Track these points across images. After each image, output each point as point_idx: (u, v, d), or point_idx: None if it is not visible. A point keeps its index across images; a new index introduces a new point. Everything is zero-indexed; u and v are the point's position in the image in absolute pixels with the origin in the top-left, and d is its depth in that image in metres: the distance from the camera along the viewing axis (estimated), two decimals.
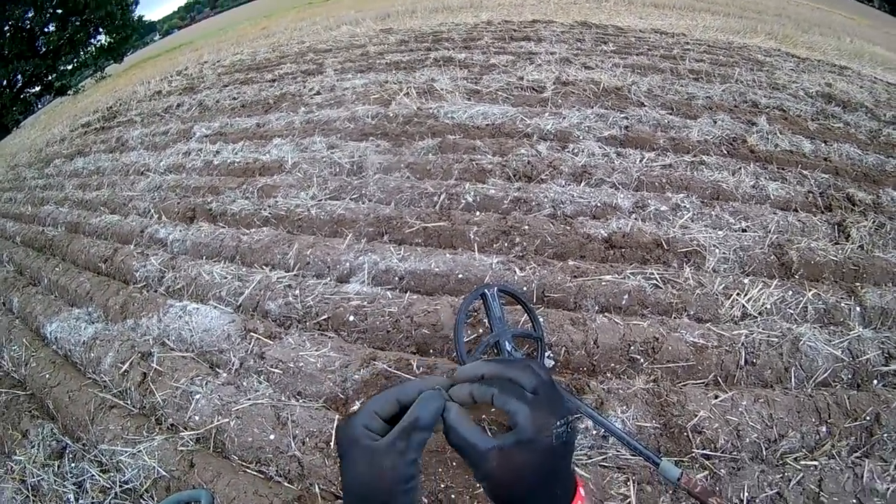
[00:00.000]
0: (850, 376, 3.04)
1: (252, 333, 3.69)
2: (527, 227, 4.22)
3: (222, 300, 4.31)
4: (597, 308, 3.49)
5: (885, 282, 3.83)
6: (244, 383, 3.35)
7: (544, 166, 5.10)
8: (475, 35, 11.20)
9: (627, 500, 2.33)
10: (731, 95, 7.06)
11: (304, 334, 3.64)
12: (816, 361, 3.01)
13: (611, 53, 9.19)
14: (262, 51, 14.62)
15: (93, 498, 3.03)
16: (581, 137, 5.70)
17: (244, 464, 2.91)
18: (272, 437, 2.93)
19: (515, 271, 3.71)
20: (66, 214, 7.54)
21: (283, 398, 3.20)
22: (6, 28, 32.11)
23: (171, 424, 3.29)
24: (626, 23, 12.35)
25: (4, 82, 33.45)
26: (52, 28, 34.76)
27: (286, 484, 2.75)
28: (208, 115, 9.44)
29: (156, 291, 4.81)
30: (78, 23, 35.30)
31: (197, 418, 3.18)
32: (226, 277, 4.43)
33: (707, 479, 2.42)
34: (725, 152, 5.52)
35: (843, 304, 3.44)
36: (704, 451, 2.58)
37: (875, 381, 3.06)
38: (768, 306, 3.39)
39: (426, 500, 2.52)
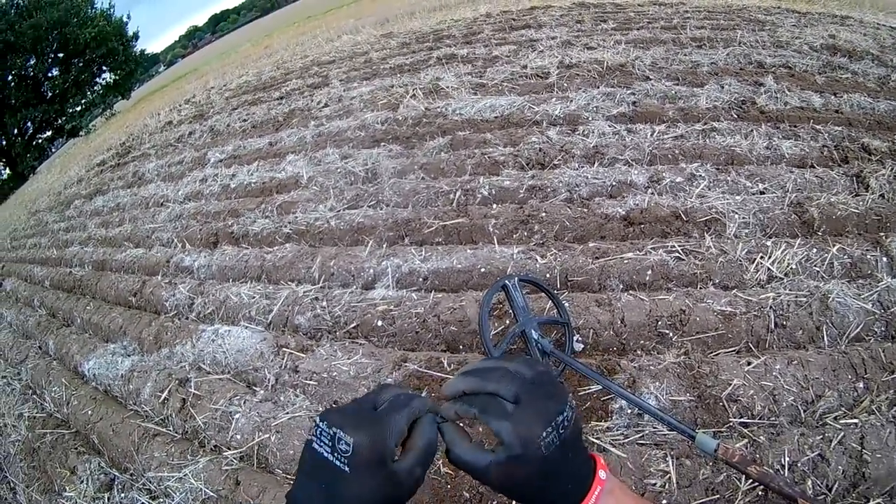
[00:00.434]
0: (883, 328, 3.00)
1: (284, 349, 3.74)
2: (544, 213, 4.23)
3: (252, 320, 4.36)
4: (621, 287, 3.48)
5: None
6: (281, 398, 3.39)
7: (556, 151, 5.10)
8: (475, 29, 11.20)
9: (667, 476, 2.33)
10: (736, 58, 7.00)
11: (335, 344, 3.67)
12: (847, 317, 2.98)
13: (611, 31, 9.15)
14: (267, 70, 14.71)
15: None
16: (590, 118, 5.68)
17: (288, 477, 2.95)
18: None
19: (537, 259, 3.71)
20: (92, 253, 7.67)
21: (319, 409, 3.23)
22: (10, 78, 32.44)
23: (214, 445, 3.34)
24: None
25: (15, 131, 33.90)
26: (55, 72, 35.15)
27: None
28: (221, 140, 9.52)
29: (187, 318, 4.88)
30: (81, 64, 35.74)
31: (238, 437, 3.22)
32: (254, 297, 4.47)
33: (746, 448, 2.41)
34: (736, 116, 5.48)
35: (869, 256, 3.40)
36: (742, 420, 2.56)
37: None
38: (794, 266, 3.36)
39: None
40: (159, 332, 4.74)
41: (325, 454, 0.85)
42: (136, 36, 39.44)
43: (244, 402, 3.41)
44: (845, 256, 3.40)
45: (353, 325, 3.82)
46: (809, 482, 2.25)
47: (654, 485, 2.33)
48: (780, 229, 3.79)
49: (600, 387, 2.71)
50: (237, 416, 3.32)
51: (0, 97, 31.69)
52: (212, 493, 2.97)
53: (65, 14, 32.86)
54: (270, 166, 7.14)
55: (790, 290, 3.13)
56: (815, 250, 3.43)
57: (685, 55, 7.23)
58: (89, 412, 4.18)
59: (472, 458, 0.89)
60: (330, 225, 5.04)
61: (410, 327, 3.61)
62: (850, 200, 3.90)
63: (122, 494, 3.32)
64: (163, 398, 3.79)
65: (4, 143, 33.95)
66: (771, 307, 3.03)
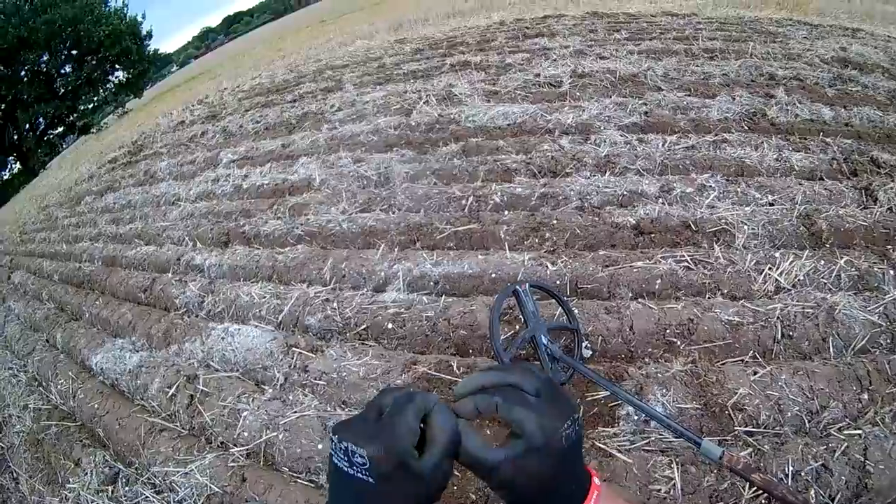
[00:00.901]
0: (888, 341, 3.02)
1: (294, 349, 3.78)
2: (555, 221, 4.26)
3: (263, 319, 4.40)
4: (630, 295, 3.52)
5: None
6: (290, 397, 3.43)
7: (568, 160, 5.13)
8: (489, 36, 11.20)
9: (672, 482, 2.36)
10: (748, 70, 7.02)
11: (344, 345, 3.72)
12: (853, 329, 3.00)
13: (624, 41, 9.16)
14: (280, 72, 14.72)
15: None
16: (602, 128, 5.72)
17: (294, 475, 2.99)
18: (320, 446, 3.01)
19: (547, 266, 3.75)
20: (102, 249, 7.70)
21: (328, 408, 3.27)
22: (23, 73, 32.49)
23: (221, 442, 3.38)
24: (637, 8, 12.26)
25: (27, 126, 33.90)
26: (68, 69, 35.12)
27: None
28: (233, 141, 9.54)
29: (197, 316, 4.92)
30: (94, 62, 35.70)
31: (246, 434, 3.27)
32: (264, 297, 4.51)
33: (751, 456, 2.44)
34: (746, 128, 5.51)
35: (876, 269, 3.42)
36: (747, 429, 2.59)
37: None
38: (801, 278, 3.39)
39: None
40: (168, 329, 4.78)
41: (346, 468, 0.85)
42: (149, 35, 39.49)
43: (252, 400, 3.45)
44: (853, 269, 3.42)
45: (363, 327, 3.86)
46: (812, 492, 2.28)
47: (659, 491, 2.36)
48: (789, 241, 3.82)
49: (608, 393, 2.75)
50: (245, 413, 3.36)
51: (13, 92, 31.75)
52: (217, 489, 3.01)
53: (79, 12, 32.89)
54: (283, 168, 7.18)
55: (797, 301, 3.16)
56: (822, 262, 3.46)
57: (697, 66, 7.25)
58: (96, 405, 4.23)
59: (485, 454, 0.87)
60: (342, 227, 5.08)
61: (420, 330, 3.64)
62: (858, 213, 3.92)
63: (127, 488, 3.36)
64: (170, 394, 3.84)
65: (16, 138, 34.03)
66: (778, 318, 3.06)
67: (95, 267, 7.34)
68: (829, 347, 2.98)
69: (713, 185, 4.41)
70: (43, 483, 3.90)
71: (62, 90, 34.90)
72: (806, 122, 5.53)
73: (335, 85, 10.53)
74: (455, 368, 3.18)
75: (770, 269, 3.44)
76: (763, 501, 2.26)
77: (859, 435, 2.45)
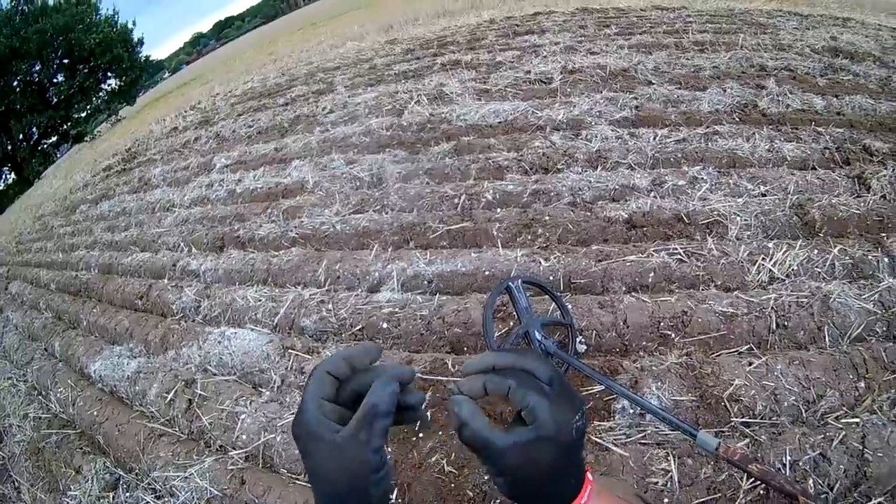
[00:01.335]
0: (884, 329, 3.02)
1: (290, 350, 3.78)
2: (547, 217, 4.26)
3: (259, 322, 4.40)
4: (623, 289, 3.51)
5: None
6: (287, 399, 3.43)
7: (559, 156, 5.14)
8: (479, 35, 11.21)
9: (669, 475, 2.35)
10: (738, 62, 7.02)
11: (340, 346, 3.74)
12: (849, 317, 3.00)
13: (614, 36, 9.19)
14: (272, 76, 14.73)
15: None
16: (593, 123, 5.72)
17: (293, 476, 2.99)
18: None
19: (540, 262, 3.75)
20: (98, 257, 7.69)
21: None
22: (15, 83, 32.45)
23: (220, 446, 3.39)
24: (626, 3, 12.29)
25: (21, 136, 33.85)
26: (60, 78, 35.09)
27: None
28: (226, 146, 9.56)
29: (193, 321, 4.93)
30: (86, 70, 35.68)
31: (244, 437, 3.27)
32: (260, 300, 4.51)
33: (748, 447, 2.44)
34: (738, 119, 5.51)
35: (870, 257, 3.41)
36: (743, 419, 2.59)
37: None
38: (795, 267, 3.39)
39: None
40: (166, 335, 4.78)
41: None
42: (140, 42, 39.44)
43: (250, 403, 3.45)
44: (846, 257, 3.42)
45: (358, 328, 3.86)
46: (811, 481, 2.27)
47: (656, 484, 2.36)
48: (782, 231, 3.82)
49: (603, 387, 2.74)
50: (243, 416, 3.36)
51: (5, 103, 31.72)
52: (217, 493, 3.01)
53: (70, 20, 32.89)
54: (276, 171, 7.18)
55: (791, 291, 3.16)
56: (816, 251, 3.45)
57: (687, 59, 7.26)
58: (95, 413, 4.23)
59: (494, 437, 0.84)
60: (336, 229, 5.08)
61: (415, 329, 3.65)
62: (851, 202, 3.92)
63: (128, 494, 3.37)
64: (169, 399, 3.84)
65: (10, 148, 33.98)
66: (772, 308, 3.06)
67: (92, 275, 7.33)
68: (824, 336, 2.98)
69: (705, 178, 4.41)
70: (44, 491, 3.91)
71: (55, 99, 34.87)
72: (797, 112, 5.53)
73: (327, 87, 10.54)
74: (450, 366, 3.18)
75: (763, 259, 3.44)
76: (761, 492, 2.26)
77: (857, 423, 2.45)
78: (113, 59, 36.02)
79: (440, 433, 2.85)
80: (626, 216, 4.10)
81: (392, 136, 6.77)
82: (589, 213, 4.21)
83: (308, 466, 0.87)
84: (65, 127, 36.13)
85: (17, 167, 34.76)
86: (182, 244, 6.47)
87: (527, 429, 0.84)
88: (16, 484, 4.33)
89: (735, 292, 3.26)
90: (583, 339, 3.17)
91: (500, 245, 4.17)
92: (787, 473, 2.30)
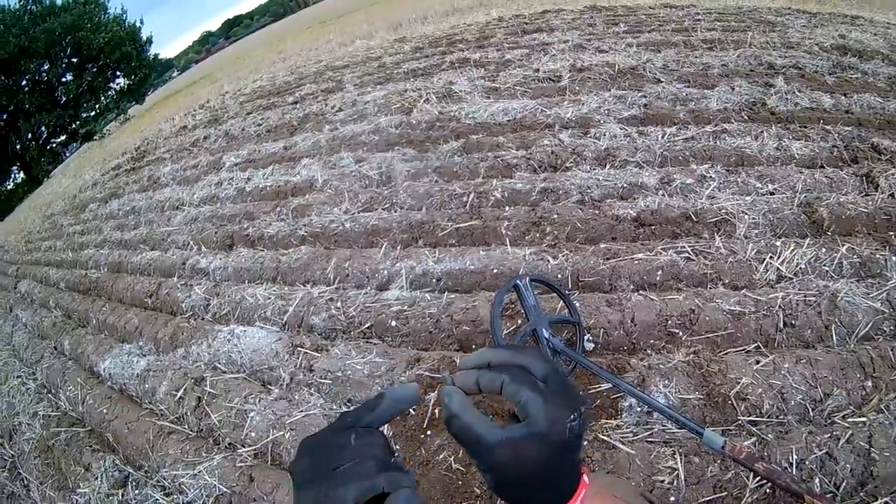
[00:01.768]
0: (892, 328, 3.01)
1: (299, 348, 3.80)
2: (556, 215, 4.27)
3: (268, 320, 4.43)
4: (631, 287, 3.52)
5: None
6: (296, 396, 3.46)
7: (568, 154, 5.14)
8: (488, 33, 11.21)
9: (675, 473, 2.36)
10: (746, 60, 7.01)
11: (349, 344, 3.74)
12: (856, 316, 2.99)
13: (623, 34, 9.17)
14: (281, 74, 14.77)
15: None
16: (601, 121, 5.73)
17: None
18: None
19: (549, 260, 3.76)
20: (107, 256, 7.76)
21: (334, 406, 3.31)
22: (24, 83, 32.54)
23: (229, 443, 3.41)
24: (635, 1, 12.25)
25: (29, 135, 33.95)
26: (69, 77, 35.15)
27: None
28: (236, 144, 9.60)
29: (203, 319, 4.97)
30: (95, 69, 35.72)
31: (253, 434, 3.29)
32: (269, 298, 4.54)
33: (755, 446, 2.44)
34: (746, 118, 5.51)
35: (878, 256, 3.41)
36: (750, 418, 2.59)
37: None
38: (803, 266, 3.38)
39: None
40: (175, 333, 4.81)
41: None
42: (149, 41, 39.55)
43: (259, 401, 3.47)
44: (854, 256, 3.41)
45: (367, 326, 3.88)
46: (817, 480, 2.28)
47: (663, 482, 2.37)
48: (790, 229, 3.82)
49: (610, 385, 2.76)
50: (252, 413, 3.38)
51: (14, 102, 31.86)
52: (226, 490, 3.03)
53: (77, 19, 33.03)
54: (285, 170, 7.21)
55: (799, 289, 3.16)
56: (824, 250, 3.45)
57: (696, 57, 7.24)
58: (104, 411, 4.26)
59: (484, 431, 0.79)
60: (345, 227, 5.10)
61: (424, 327, 3.67)
62: (859, 200, 3.91)
63: (136, 491, 3.38)
64: (178, 397, 3.87)
65: (19, 147, 34.14)
66: (780, 306, 3.06)
67: (101, 273, 7.39)
68: (831, 335, 2.98)
69: (713, 176, 4.41)
70: (54, 489, 3.92)
71: (63, 98, 34.99)
72: (806, 111, 5.52)
73: (336, 85, 10.57)
74: (458, 364, 3.18)
75: (771, 257, 3.44)
76: (767, 491, 2.26)
77: (864, 422, 2.44)
78: (122, 57, 36.12)
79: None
80: (635, 214, 4.10)
81: (401, 134, 6.79)
82: (597, 212, 4.22)
83: None
84: (73, 126, 36.27)
85: (26, 166, 34.92)
86: (191, 242, 6.50)
87: (519, 425, 0.80)
88: (25, 482, 4.35)
89: (743, 291, 3.27)
90: (590, 337, 3.18)
91: (508, 243, 4.18)
92: (794, 472, 2.30)
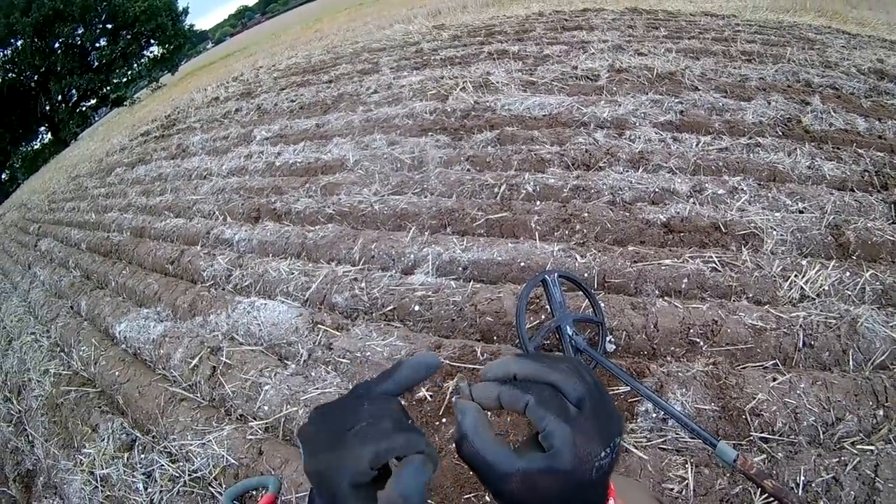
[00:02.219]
0: None
1: (320, 326, 3.85)
2: (586, 214, 4.29)
3: (290, 295, 4.48)
4: (657, 292, 3.55)
5: None
6: (312, 373, 3.51)
7: (602, 154, 5.16)
8: (527, 27, 11.17)
9: (685, 482, 2.39)
10: (784, 75, 6.97)
11: (370, 325, 3.79)
12: (874, 343, 3.00)
13: (663, 38, 9.12)
14: (317, 53, 14.77)
15: (161, 486, 3.21)
16: (637, 124, 5.73)
17: None
18: None
19: (576, 258, 3.78)
20: (131, 220, 7.87)
21: (350, 386, 3.28)
22: (57, 46, 32.66)
23: (241, 415, 3.47)
24: (676, 7, 12.15)
25: (59, 97, 34.11)
26: (103, 43, 35.30)
27: None
28: (267, 119, 9.64)
29: (223, 289, 5.04)
30: (129, 36, 35.87)
31: (266, 408, 3.35)
32: (292, 273, 4.60)
33: (764, 463, 2.46)
34: (780, 133, 5.49)
35: None
36: (762, 435, 2.61)
37: None
38: (826, 287, 3.39)
39: None
40: (195, 301, 4.88)
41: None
42: (185, 11, 39.68)
43: (275, 375, 3.53)
44: (877, 283, 3.41)
45: (389, 308, 3.92)
46: (821, 503, 2.30)
47: (672, 490, 2.40)
48: (816, 249, 3.82)
49: (628, 388, 2.78)
50: (266, 387, 3.44)
51: (46, 64, 32.02)
52: (234, 461, 3.08)
53: None
54: (316, 147, 7.26)
55: (821, 310, 3.17)
56: (848, 273, 3.46)
57: (734, 68, 7.20)
58: (116, 373, 4.34)
59: (498, 458, 0.68)
60: (373, 209, 5.14)
61: (447, 314, 3.70)
62: (886, 227, 3.90)
63: (142, 455, 3.44)
64: (193, 364, 3.93)
65: (48, 108, 34.34)
66: (801, 326, 3.07)
67: (124, 237, 7.48)
68: (848, 360, 2.98)
69: (744, 189, 4.42)
70: (58, 447, 3.99)
71: (96, 63, 35.19)
72: (840, 132, 5.48)
73: (372, 67, 10.57)
74: (479, 354, 3.22)
75: (796, 276, 3.45)
76: None
77: (872, 451, 2.45)
78: (157, 26, 36.24)
79: None
80: (665, 220, 4.12)
81: (435, 120, 6.82)
82: (627, 214, 4.24)
83: None
84: (104, 90, 36.45)
85: (54, 127, 35.16)
86: (217, 212, 6.57)
87: (540, 455, 0.68)
88: (30, 438, 4.43)
89: (766, 306, 3.28)
90: (612, 339, 3.21)
91: (537, 237, 4.21)
92: (800, 493, 2.33)
